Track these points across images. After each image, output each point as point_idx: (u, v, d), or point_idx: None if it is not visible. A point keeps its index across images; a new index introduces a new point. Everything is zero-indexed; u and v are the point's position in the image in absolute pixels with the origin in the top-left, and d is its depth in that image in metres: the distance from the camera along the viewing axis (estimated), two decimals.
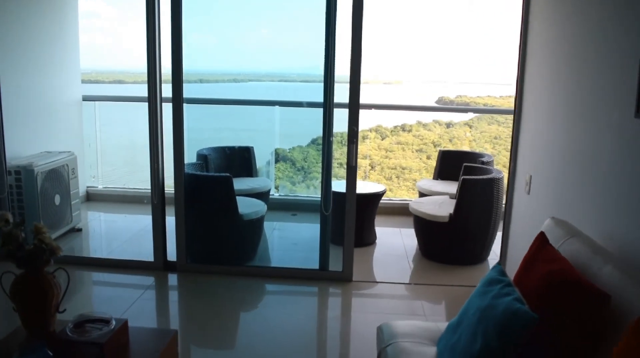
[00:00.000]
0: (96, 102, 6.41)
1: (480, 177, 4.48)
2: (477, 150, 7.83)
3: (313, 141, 6.31)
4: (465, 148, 8.49)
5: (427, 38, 11.05)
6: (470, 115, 10.61)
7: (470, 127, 8.65)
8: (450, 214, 4.43)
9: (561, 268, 1.93)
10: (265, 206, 4.54)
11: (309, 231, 5.19)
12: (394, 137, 9.40)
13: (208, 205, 4.29)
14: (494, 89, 11.02)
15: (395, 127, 9.50)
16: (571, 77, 2.91)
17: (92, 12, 9.22)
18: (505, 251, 4.00)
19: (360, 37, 3.69)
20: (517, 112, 3.79)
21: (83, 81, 6.66)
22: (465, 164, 5.03)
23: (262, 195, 5.12)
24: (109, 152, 6.91)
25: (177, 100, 3.97)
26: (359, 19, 3.68)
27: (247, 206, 4.38)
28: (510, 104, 10.58)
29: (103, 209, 6.30)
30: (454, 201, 4.69)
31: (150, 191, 4.13)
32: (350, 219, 3.95)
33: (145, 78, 3.98)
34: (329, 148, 3.95)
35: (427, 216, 4.51)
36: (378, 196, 5.00)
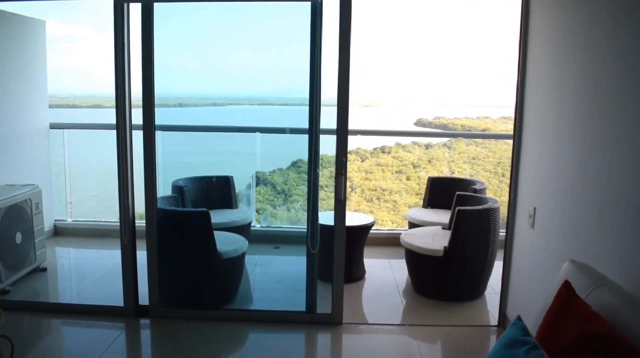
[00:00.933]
0: (65, 130, 6.03)
1: (476, 208, 4.21)
2: (456, 170, 7.77)
3: (293, 164, 6.16)
4: (444, 168, 8.44)
5: (404, 59, 11.00)
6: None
7: (449, 148, 8.58)
8: (445, 247, 4.14)
9: (601, 331, 1.63)
10: (246, 242, 4.20)
11: (293, 265, 4.86)
12: (374, 159, 9.34)
13: (183, 243, 3.93)
14: (471, 110, 11.05)
15: (375, 149, 9.46)
16: (583, 96, 2.64)
17: (74, 36, 8.94)
18: (506, 288, 3.71)
19: (348, 66, 3.41)
20: (517, 135, 3.52)
21: (59, 106, 6.31)
22: (457, 193, 4.76)
23: (243, 228, 4.78)
24: (80, 183, 6.55)
25: (149, 127, 3.63)
26: (346, 50, 3.40)
27: (226, 243, 4.04)
28: (487, 124, 10.61)
29: (72, 245, 5.90)
30: (447, 232, 4.42)
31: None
32: (339, 258, 3.63)
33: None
34: (315, 181, 3.64)
35: (420, 250, 4.21)
36: (367, 228, 4.70)
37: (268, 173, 6.27)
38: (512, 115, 3.57)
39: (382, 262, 5.22)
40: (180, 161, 5.51)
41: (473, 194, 4.75)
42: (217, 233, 3.98)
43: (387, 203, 8.44)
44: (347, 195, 6.92)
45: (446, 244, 4.16)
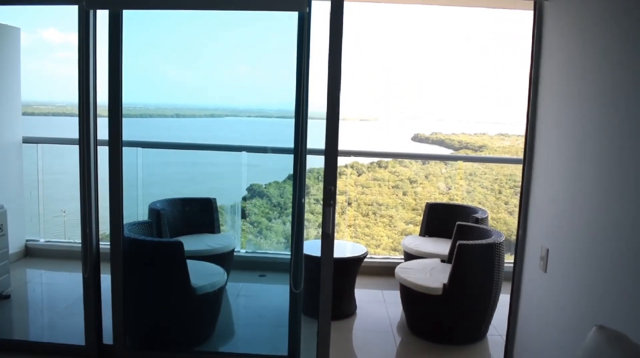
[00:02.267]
0: (39, 144, 5.65)
1: (479, 242, 3.81)
2: (452, 186, 7.55)
3: (290, 177, 5.83)
4: (441, 184, 8.32)
5: (402, 74, 10.81)
6: (444, 151, 10.46)
7: (446, 164, 8.46)
8: (445, 284, 3.75)
9: None
10: (225, 274, 3.80)
11: (279, 297, 4.46)
12: (370, 173, 9.26)
13: (153, 277, 3.53)
14: (467, 126, 10.96)
15: (372, 163, 9.37)
16: (605, 115, 2.28)
17: (75, 44, 8.75)
18: (513, 334, 3.32)
19: (339, 85, 3.03)
20: (528, 162, 3.14)
21: (56, 114, 6.03)
22: (458, 223, 4.37)
23: (225, 256, 4.38)
24: (56, 200, 6.16)
25: (115, 143, 3.23)
26: (337, 64, 3.03)
27: (202, 277, 3.63)
28: (484, 141, 10.40)
29: (44, 267, 5.48)
30: (446, 266, 4.04)
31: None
32: (326, 300, 3.22)
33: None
34: (299, 212, 3.22)
35: (417, 288, 3.82)
36: (358, 260, 4.31)
37: (264, 186, 6.03)
38: (509, 132, 3.22)
39: (375, 294, 4.84)
40: (167, 173, 5.21)
41: (474, 225, 4.36)
42: (193, 264, 3.58)
43: (383, 218, 8.33)
44: (343, 209, 6.65)
45: (445, 281, 3.77)
